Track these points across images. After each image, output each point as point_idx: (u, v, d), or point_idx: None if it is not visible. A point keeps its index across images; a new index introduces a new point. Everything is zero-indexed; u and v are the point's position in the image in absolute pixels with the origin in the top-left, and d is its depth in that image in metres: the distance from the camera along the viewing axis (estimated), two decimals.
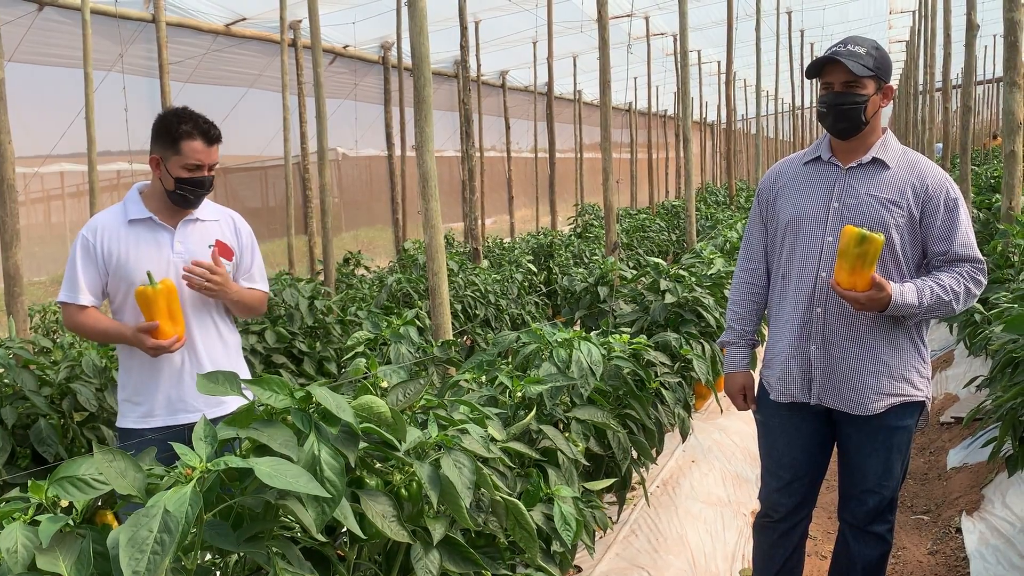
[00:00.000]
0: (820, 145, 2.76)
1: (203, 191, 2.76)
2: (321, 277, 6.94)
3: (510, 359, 2.85)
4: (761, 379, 2.91)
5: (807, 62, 21.04)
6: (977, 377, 4.57)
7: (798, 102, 21.96)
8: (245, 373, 2.98)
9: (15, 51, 8.16)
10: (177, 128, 2.71)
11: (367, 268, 9.13)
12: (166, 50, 8.87)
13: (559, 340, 2.74)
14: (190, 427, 2.73)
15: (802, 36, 19.48)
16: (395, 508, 1.64)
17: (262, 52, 10.86)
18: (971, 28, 7.02)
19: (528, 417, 2.36)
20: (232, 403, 2.77)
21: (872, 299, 2.49)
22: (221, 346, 2.84)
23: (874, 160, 2.64)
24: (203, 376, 1.50)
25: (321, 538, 1.39)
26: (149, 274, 2.64)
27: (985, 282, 2.63)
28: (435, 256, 3.26)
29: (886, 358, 2.63)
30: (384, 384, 1.92)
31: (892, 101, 3.02)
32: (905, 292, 2.52)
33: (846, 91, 2.57)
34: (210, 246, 2.82)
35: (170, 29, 9.08)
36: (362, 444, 1.61)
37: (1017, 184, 5.02)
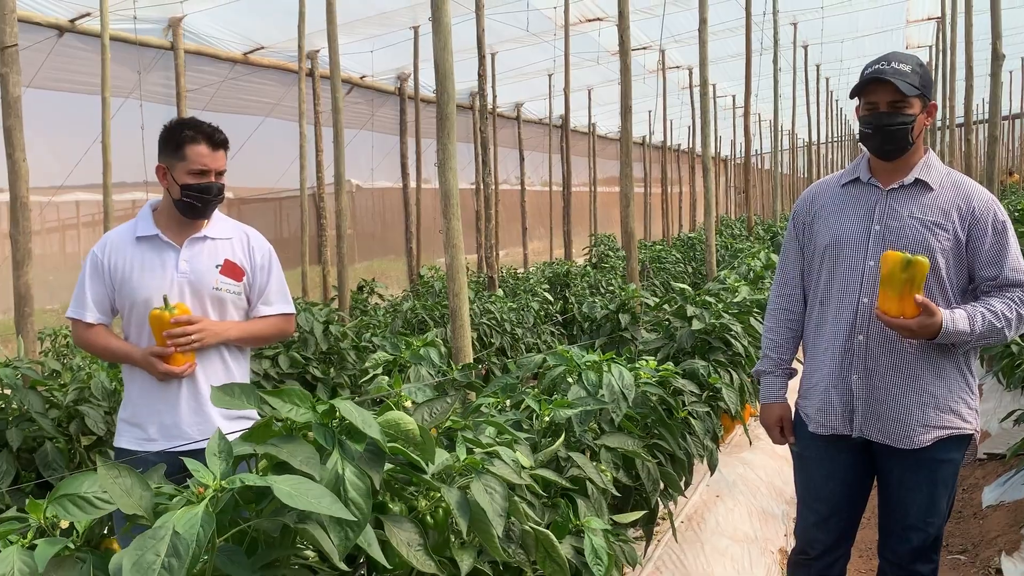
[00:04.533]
0: (858, 166, 2.65)
1: (211, 198, 2.68)
2: (335, 303, 6.85)
3: (536, 384, 2.73)
4: (797, 409, 2.78)
5: (823, 97, 21.03)
6: (1015, 411, 4.41)
7: (814, 137, 21.88)
8: None
9: (34, 77, 8.18)
10: (181, 133, 2.66)
11: (381, 296, 9.05)
12: (184, 78, 8.90)
13: (588, 363, 2.62)
14: (183, 454, 2.65)
15: (818, 71, 19.47)
16: (421, 536, 1.52)
17: (279, 81, 10.89)
18: (996, 58, 6.94)
19: (557, 443, 2.23)
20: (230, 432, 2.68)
21: (923, 325, 2.36)
22: (223, 371, 2.75)
23: (916, 181, 2.53)
24: (218, 388, 1.39)
25: (343, 567, 1.27)
26: (165, 298, 2.59)
27: None
28: (456, 276, 3.15)
29: (932, 388, 2.49)
30: (409, 403, 1.80)
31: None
32: (956, 318, 2.39)
33: (892, 111, 2.45)
34: (217, 266, 2.73)
35: (188, 57, 9.12)
36: (387, 465, 1.48)
37: None
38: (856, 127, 2.64)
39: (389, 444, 1.42)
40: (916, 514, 2.57)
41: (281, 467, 1.26)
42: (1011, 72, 21.77)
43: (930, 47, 17.29)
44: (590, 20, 12.48)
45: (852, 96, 2.57)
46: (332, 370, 5.15)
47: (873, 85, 2.46)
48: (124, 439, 2.72)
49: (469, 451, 1.76)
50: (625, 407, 2.54)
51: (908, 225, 2.49)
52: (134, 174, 9.02)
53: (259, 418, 2.81)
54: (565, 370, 2.62)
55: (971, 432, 2.54)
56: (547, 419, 2.37)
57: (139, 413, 2.69)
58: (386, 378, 2.38)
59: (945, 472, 2.55)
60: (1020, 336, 4.49)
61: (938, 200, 2.50)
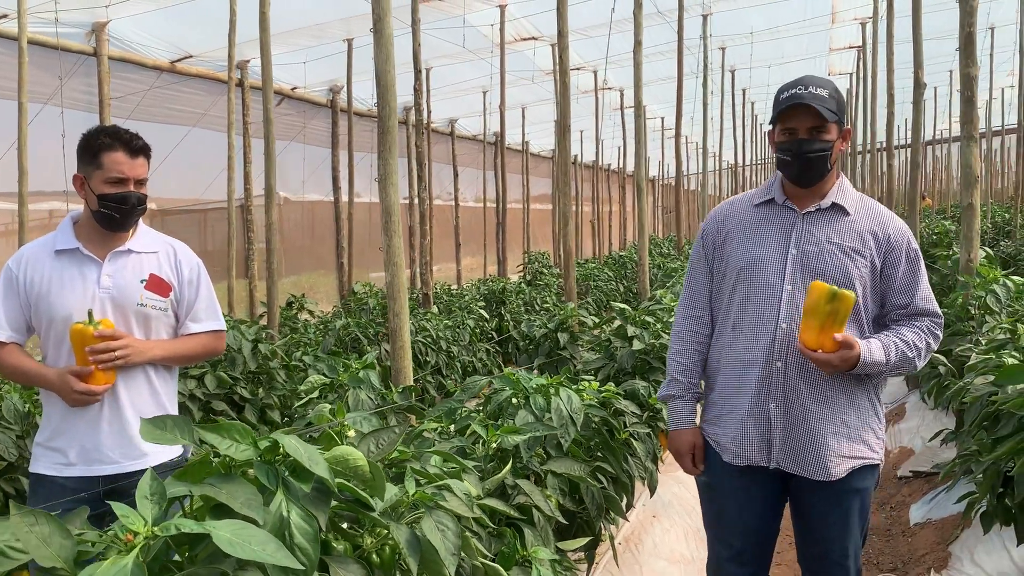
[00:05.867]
0: (772, 187, 2.57)
1: (128, 208, 2.53)
2: (264, 320, 6.64)
3: (482, 407, 2.65)
4: (706, 438, 2.64)
5: (749, 120, 21.55)
6: (943, 431, 4.51)
7: (739, 160, 22.41)
8: None
9: None
10: (97, 141, 2.53)
11: (311, 313, 8.84)
12: (108, 85, 8.57)
13: (536, 386, 2.55)
14: (105, 479, 2.49)
15: (744, 95, 19.97)
16: None
17: (208, 91, 10.58)
18: (918, 87, 7.19)
19: (504, 470, 2.16)
20: (154, 456, 2.53)
21: (843, 359, 2.32)
22: (148, 393, 2.60)
23: (833, 205, 2.48)
24: (147, 421, 1.27)
25: None
26: (90, 312, 2.43)
27: (941, 336, 2.53)
28: (397, 296, 3.05)
29: (846, 418, 2.45)
30: (351, 433, 1.70)
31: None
32: (873, 349, 2.36)
33: (811, 137, 2.39)
34: (142, 281, 2.59)
35: (112, 63, 8.78)
36: (332, 503, 1.38)
37: (975, 236, 5.05)
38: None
39: (337, 481, 1.32)
40: (838, 550, 2.52)
41: (220, 509, 1.16)
42: (926, 100, 22.73)
43: (851, 74, 17.93)
44: (525, 39, 12.53)
45: (772, 123, 2.50)
46: (261, 390, 4.97)
47: (792, 110, 2.39)
48: (41, 464, 2.55)
49: (418, 483, 1.67)
50: (574, 432, 2.48)
51: (827, 250, 2.44)
52: (53, 183, 8.62)
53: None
54: (512, 394, 2.55)
55: (878, 462, 2.52)
56: (494, 445, 2.29)
57: (58, 436, 2.53)
58: (328, 406, 2.26)
59: (860, 502, 2.52)
60: (943, 355, 4.60)
61: (855, 226, 2.47)
